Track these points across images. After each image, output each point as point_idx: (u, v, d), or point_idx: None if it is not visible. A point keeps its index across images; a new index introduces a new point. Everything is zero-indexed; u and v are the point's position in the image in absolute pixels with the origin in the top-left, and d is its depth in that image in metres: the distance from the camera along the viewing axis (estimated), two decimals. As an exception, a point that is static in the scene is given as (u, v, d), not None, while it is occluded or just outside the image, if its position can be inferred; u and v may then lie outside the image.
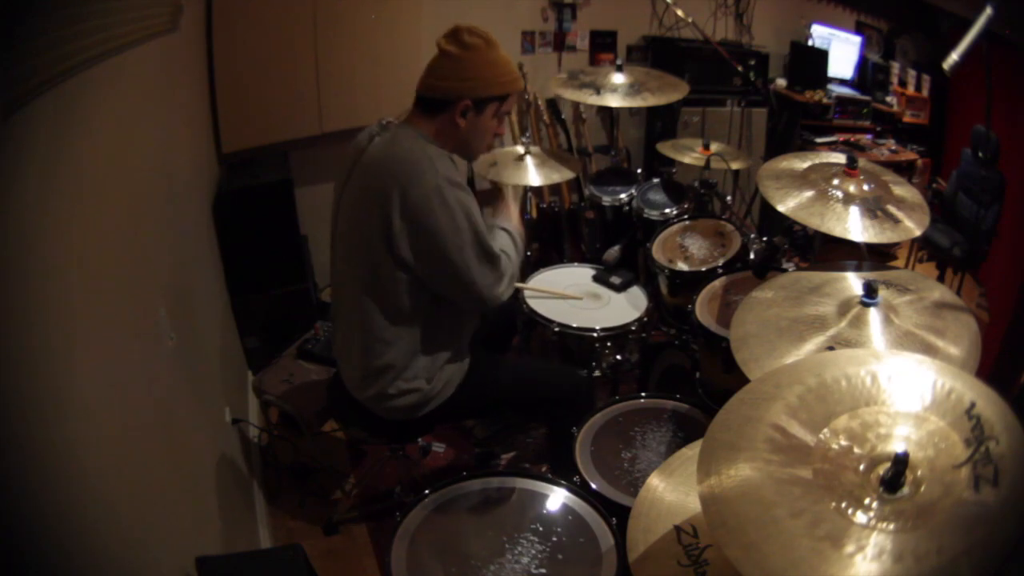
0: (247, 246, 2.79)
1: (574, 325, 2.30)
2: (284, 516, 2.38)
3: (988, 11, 1.57)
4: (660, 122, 4.06)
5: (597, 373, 2.37)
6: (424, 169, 1.64)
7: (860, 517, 0.88)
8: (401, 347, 1.77)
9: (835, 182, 1.79)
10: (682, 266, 2.44)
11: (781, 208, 1.75)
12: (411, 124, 1.75)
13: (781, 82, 4.49)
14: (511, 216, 2.01)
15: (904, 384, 1.02)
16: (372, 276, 1.72)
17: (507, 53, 1.77)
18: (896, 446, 0.93)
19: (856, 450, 0.96)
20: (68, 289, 1.09)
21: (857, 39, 4.50)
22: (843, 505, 0.90)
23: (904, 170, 4.13)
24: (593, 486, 1.65)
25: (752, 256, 2.37)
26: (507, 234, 1.91)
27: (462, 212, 1.66)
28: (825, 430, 1.00)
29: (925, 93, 4.30)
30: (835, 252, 2.12)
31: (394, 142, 1.71)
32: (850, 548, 0.84)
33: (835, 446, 0.98)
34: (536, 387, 2.04)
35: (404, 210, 1.63)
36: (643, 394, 1.97)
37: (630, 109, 3.93)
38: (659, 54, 4.21)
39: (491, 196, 2.16)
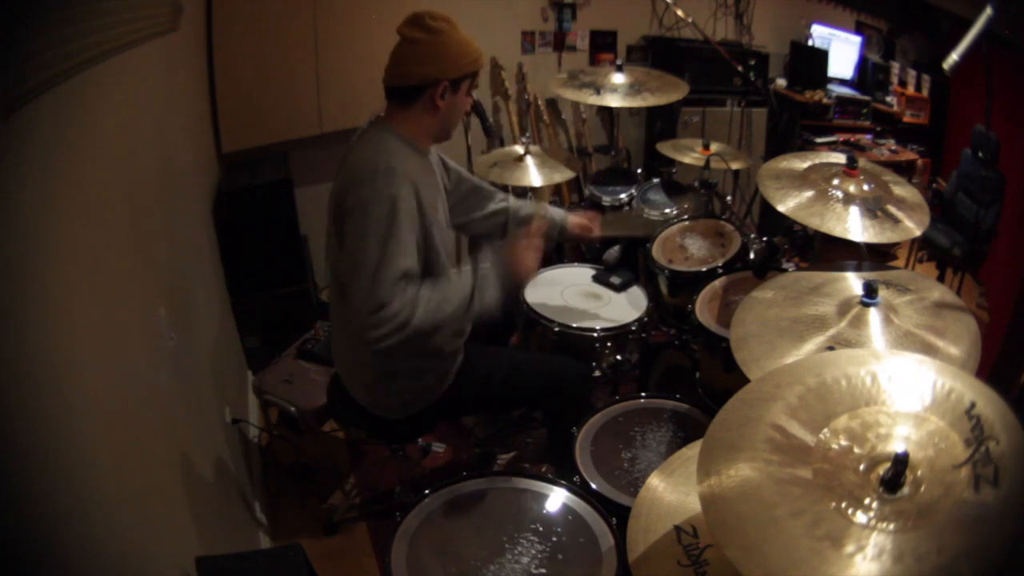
0: (247, 246, 2.79)
1: (574, 325, 2.30)
2: (284, 516, 2.38)
3: (988, 11, 1.57)
4: (660, 122, 4.06)
5: (597, 373, 2.37)
6: (377, 174, 1.58)
7: (860, 517, 0.88)
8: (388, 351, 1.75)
9: (835, 182, 1.79)
10: (682, 266, 2.44)
11: (781, 208, 1.75)
12: (388, 120, 1.73)
13: (781, 82, 4.48)
14: (524, 264, 1.75)
15: (904, 384, 1.02)
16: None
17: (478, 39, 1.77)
18: (896, 446, 0.94)
19: (856, 450, 0.96)
20: (68, 289, 1.09)
21: (857, 39, 4.50)
22: (843, 505, 0.90)
23: (904, 170, 4.13)
24: (593, 486, 1.65)
25: (752, 256, 2.37)
26: (467, 301, 1.67)
27: (380, 236, 1.53)
28: (825, 430, 1.00)
29: (925, 93, 4.30)
30: (835, 252, 2.11)
31: (366, 142, 1.70)
32: (850, 548, 0.84)
33: (835, 446, 0.98)
34: (534, 376, 2.02)
35: (346, 211, 1.61)
36: (643, 394, 1.97)
37: (630, 109, 3.93)
38: (659, 54, 4.21)
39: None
